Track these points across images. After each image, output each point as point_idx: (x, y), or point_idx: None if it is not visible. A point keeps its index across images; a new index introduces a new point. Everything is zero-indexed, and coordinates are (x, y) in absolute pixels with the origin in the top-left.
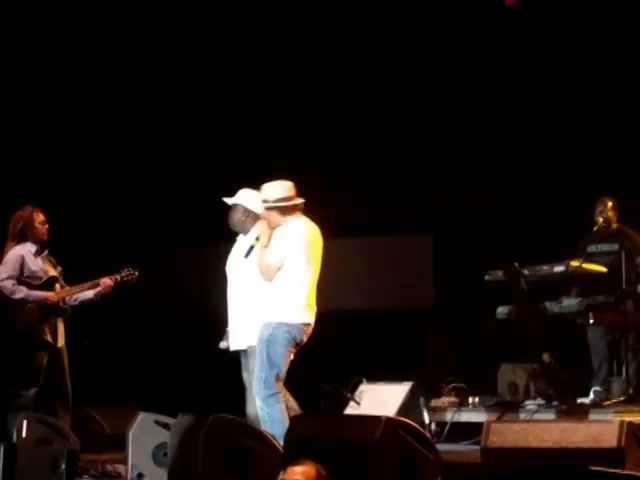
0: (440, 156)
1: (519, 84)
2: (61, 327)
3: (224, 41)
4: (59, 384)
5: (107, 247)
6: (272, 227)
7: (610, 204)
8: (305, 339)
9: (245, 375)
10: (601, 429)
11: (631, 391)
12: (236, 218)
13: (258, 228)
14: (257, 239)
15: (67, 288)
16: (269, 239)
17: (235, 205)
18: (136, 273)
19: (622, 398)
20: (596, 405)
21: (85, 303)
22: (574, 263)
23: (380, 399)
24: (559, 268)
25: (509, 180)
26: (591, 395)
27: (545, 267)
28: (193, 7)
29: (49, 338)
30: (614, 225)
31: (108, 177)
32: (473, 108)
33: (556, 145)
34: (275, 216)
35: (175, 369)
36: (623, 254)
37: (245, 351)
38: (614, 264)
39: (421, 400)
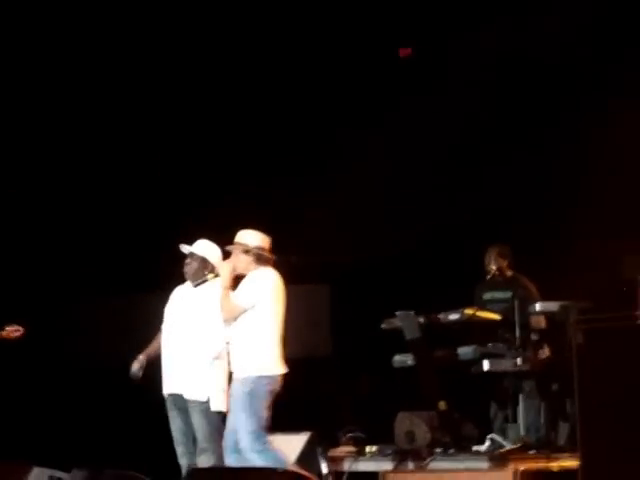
0: (335, 205)
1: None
2: None
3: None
4: None
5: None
6: (237, 272)
7: (497, 252)
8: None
9: (178, 426)
10: (495, 478)
11: (526, 438)
12: (193, 267)
13: (222, 267)
14: (215, 275)
15: None
16: (229, 281)
17: (192, 255)
18: (21, 330)
19: (517, 445)
20: (492, 453)
21: None
22: (468, 311)
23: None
24: (454, 316)
25: (405, 228)
26: (487, 443)
27: (441, 315)
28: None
29: None
30: (508, 273)
31: (31, 220)
32: (369, 159)
33: (451, 192)
34: (248, 262)
35: (75, 421)
36: (516, 302)
37: (179, 399)
38: (508, 312)
39: (319, 450)
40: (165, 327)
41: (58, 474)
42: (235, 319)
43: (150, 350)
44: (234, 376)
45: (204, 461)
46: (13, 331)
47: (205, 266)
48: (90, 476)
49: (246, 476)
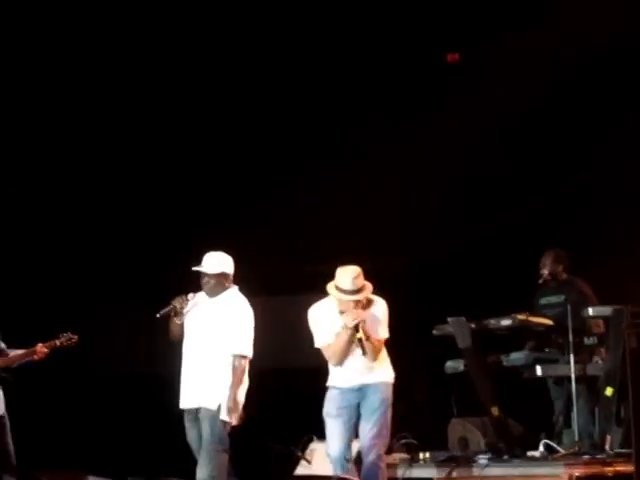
0: (384, 207)
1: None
2: (0, 395)
3: None
4: (3, 451)
5: (51, 305)
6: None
7: (553, 257)
8: None
9: (193, 437)
10: None
11: (580, 444)
12: (211, 284)
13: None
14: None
15: (4, 358)
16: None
17: (208, 274)
18: (75, 337)
19: (572, 450)
20: (546, 458)
21: (23, 366)
22: (520, 316)
23: None
24: (506, 322)
25: (458, 231)
26: (541, 448)
27: (493, 320)
28: None
29: None
30: (563, 276)
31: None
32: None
33: (506, 194)
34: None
35: (125, 432)
36: (569, 306)
37: (194, 411)
38: (562, 316)
39: None
40: (184, 340)
41: None
42: None
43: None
44: (367, 382)
45: (199, 469)
46: (67, 339)
47: (225, 279)
48: None
49: None
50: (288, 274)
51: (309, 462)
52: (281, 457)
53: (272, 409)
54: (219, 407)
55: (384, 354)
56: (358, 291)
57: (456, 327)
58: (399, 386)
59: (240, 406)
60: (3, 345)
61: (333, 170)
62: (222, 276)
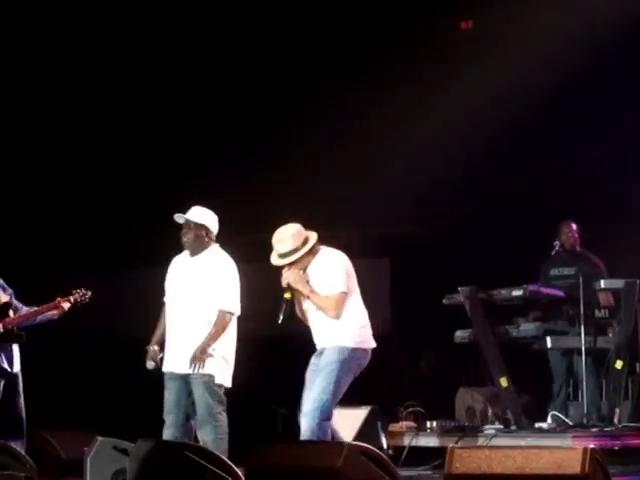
0: (395, 174)
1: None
2: (17, 352)
3: None
4: (14, 409)
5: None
6: (302, 268)
7: (569, 229)
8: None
9: (172, 399)
10: (565, 455)
11: (589, 415)
12: (191, 237)
13: (293, 278)
14: (288, 292)
15: (22, 313)
16: (307, 283)
17: (188, 223)
18: (89, 293)
19: (580, 422)
20: (554, 430)
21: (42, 322)
22: (532, 287)
23: (338, 423)
24: (517, 292)
25: (468, 199)
26: (549, 420)
27: (503, 291)
28: None
29: (5, 364)
30: (576, 249)
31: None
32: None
33: (515, 165)
34: (307, 258)
35: (134, 393)
36: (581, 278)
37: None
38: (573, 288)
39: (379, 424)
40: (167, 301)
41: (123, 444)
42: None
43: (157, 335)
44: (324, 346)
45: (204, 434)
46: (81, 295)
47: (206, 233)
48: (155, 447)
49: (313, 450)
50: None
51: None
52: (288, 422)
53: (278, 374)
54: (213, 372)
55: (346, 313)
56: (284, 255)
57: (466, 297)
58: (407, 354)
59: (222, 362)
60: (18, 304)
61: (332, 138)
62: (202, 229)
